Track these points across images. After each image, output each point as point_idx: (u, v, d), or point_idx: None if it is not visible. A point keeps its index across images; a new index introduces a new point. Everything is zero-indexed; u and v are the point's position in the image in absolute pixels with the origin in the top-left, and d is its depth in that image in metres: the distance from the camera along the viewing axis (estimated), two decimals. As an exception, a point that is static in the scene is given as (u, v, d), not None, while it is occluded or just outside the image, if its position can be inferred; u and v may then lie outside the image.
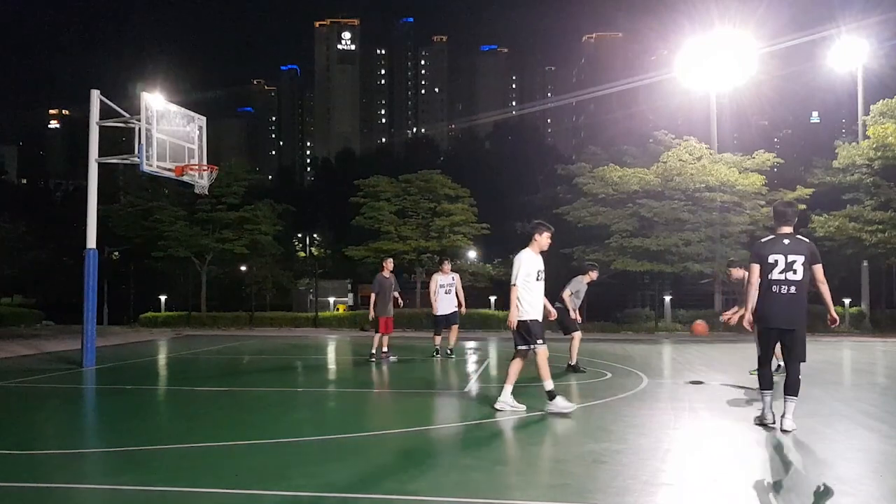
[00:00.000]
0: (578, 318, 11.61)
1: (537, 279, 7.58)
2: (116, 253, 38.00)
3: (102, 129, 13.34)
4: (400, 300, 13.54)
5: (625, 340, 19.99)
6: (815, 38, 31.01)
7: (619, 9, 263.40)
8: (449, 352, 13.74)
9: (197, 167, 13.84)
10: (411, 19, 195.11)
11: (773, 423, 6.60)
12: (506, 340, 20.25)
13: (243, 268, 33.36)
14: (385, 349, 13.31)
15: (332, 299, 33.73)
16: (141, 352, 16.57)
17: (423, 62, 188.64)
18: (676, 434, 6.62)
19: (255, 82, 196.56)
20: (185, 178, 13.64)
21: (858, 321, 25.11)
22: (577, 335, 11.47)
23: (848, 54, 26.91)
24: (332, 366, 13.96)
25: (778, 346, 6.79)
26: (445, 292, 13.52)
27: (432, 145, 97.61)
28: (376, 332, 13.27)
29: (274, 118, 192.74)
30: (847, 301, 25.09)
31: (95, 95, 13.05)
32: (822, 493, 4.68)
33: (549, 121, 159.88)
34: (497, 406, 7.57)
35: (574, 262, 24.54)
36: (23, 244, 36.35)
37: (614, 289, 29.92)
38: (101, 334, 16.41)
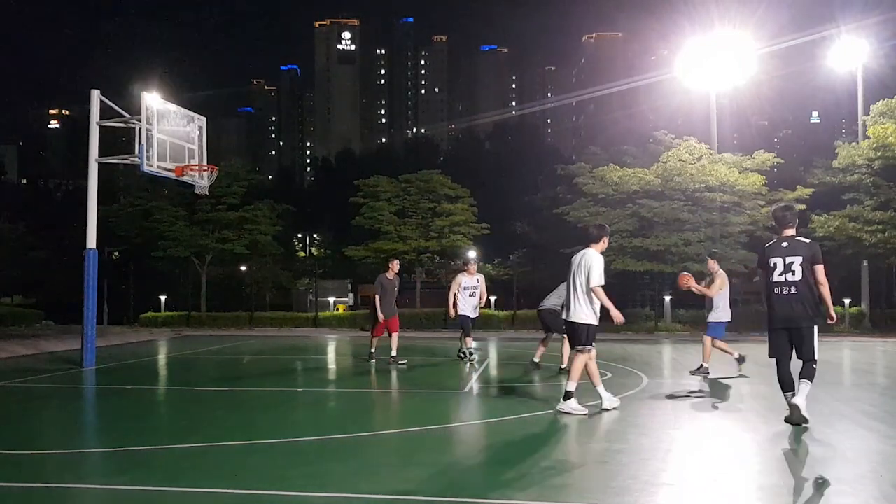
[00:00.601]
0: None
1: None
2: (116, 253, 37.98)
3: (103, 129, 13.36)
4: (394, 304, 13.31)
5: (625, 340, 19.97)
6: (815, 38, 31.10)
7: (619, 9, 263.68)
8: (470, 353, 13.49)
9: (197, 167, 13.84)
10: (411, 19, 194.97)
11: (806, 420, 6.53)
12: (506, 340, 20.26)
13: (243, 268, 33.38)
14: (394, 353, 12.80)
15: (332, 299, 33.78)
16: (141, 352, 16.58)
17: (423, 62, 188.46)
18: (677, 434, 6.62)
19: (255, 82, 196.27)
20: (186, 179, 13.65)
21: (858, 321, 25.12)
22: None
23: (848, 54, 26.89)
24: (331, 366, 13.97)
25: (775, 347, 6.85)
26: (470, 294, 13.10)
27: (432, 145, 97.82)
28: (373, 332, 13.22)
29: (274, 118, 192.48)
30: (847, 301, 25.11)
31: (95, 95, 13.05)
32: (822, 493, 4.68)
33: (549, 121, 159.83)
34: (604, 406, 7.52)
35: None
36: (23, 244, 36.39)
37: (614, 289, 29.81)
38: (101, 334, 16.42)
